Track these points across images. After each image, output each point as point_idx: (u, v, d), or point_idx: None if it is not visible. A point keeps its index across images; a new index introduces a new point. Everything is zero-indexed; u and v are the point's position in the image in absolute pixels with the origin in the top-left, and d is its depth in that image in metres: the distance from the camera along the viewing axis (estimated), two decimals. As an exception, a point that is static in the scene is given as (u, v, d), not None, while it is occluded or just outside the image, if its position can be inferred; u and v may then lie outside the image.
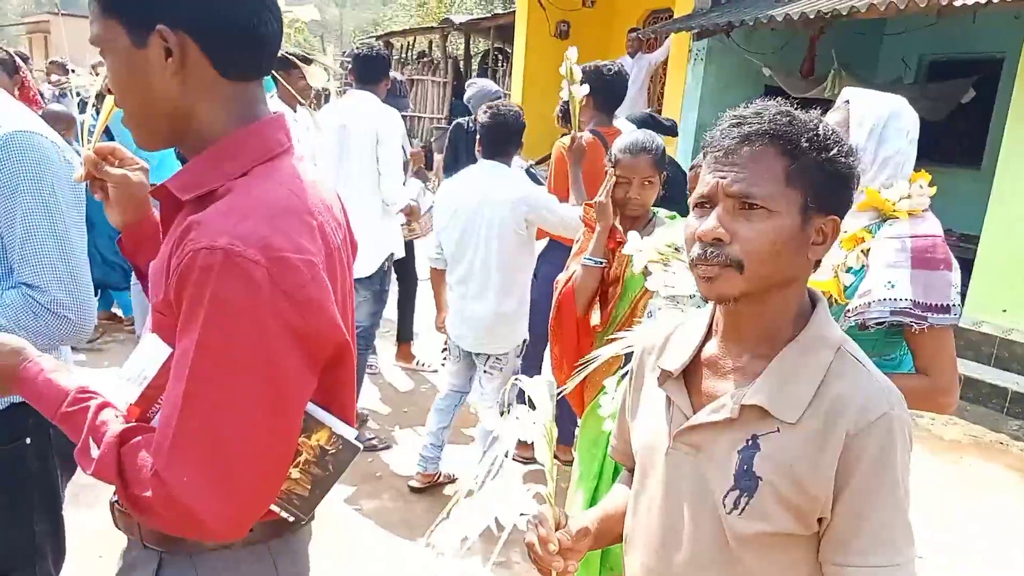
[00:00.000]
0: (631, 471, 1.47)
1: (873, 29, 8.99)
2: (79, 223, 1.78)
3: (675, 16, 8.90)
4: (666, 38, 8.83)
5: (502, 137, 3.44)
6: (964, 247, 6.81)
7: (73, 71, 2.99)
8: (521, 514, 1.23)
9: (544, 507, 1.26)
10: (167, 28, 1.09)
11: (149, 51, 1.11)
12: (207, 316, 1.03)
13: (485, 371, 3.62)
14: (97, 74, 5.93)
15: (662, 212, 2.71)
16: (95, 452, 1.11)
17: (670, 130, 4.59)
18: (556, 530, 1.26)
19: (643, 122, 4.11)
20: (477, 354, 3.63)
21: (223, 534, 1.10)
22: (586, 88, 3.28)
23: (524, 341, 3.66)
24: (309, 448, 1.19)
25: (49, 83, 6.56)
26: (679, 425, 1.22)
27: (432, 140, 12.90)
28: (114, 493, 1.26)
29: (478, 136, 3.58)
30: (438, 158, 8.87)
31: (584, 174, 3.60)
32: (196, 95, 1.15)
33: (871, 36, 9.15)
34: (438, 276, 3.72)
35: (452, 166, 5.05)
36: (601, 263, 2.57)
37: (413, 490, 3.81)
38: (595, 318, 2.64)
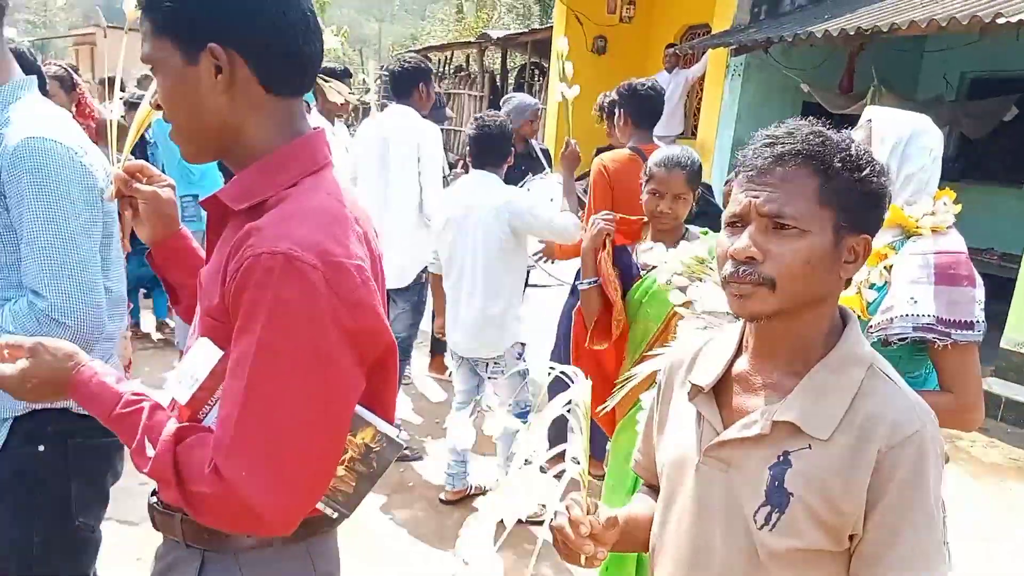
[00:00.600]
0: (650, 486, 1.47)
1: (914, 46, 8.89)
2: (89, 230, 1.75)
3: (713, 32, 8.87)
4: (703, 54, 8.82)
5: (487, 147, 3.56)
6: (1005, 266, 6.68)
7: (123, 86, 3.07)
8: (547, 509, 1.22)
9: (576, 492, 1.24)
10: (218, 46, 1.14)
11: (200, 68, 1.16)
12: (268, 317, 1.08)
13: (489, 377, 3.69)
14: (144, 87, 6.06)
15: (694, 228, 2.71)
16: (151, 451, 1.14)
17: None
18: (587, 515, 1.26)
19: None
20: (475, 362, 3.69)
21: (277, 528, 1.14)
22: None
23: (522, 344, 3.70)
24: (355, 446, 1.23)
25: (102, 102, 6.64)
26: (709, 440, 1.23)
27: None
28: (152, 494, 1.30)
29: (467, 148, 3.71)
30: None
31: (623, 191, 3.62)
32: (244, 111, 1.19)
33: (912, 53, 9.04)
34: (436, 281, 3.85)
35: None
36: (594, 282, 2.61)
37: (444, 502, 3.84)
38: (593, 341, 2.66)
